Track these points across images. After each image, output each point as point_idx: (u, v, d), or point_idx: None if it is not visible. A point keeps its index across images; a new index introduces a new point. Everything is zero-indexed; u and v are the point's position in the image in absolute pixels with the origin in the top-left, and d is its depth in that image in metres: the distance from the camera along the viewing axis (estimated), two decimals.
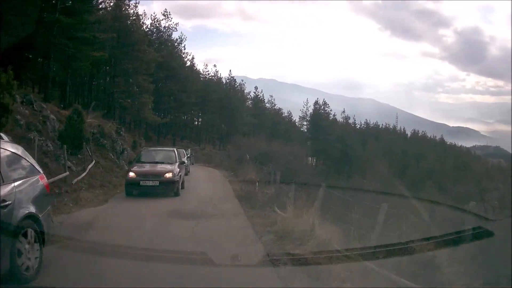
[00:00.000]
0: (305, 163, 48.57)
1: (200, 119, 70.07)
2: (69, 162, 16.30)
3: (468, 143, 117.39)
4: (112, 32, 37.43)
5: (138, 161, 16.03)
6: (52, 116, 19.27)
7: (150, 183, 14.15)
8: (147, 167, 15.07)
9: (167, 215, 10.82)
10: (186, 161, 23.29)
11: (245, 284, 5.65)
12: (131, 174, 14.51)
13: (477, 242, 6.03)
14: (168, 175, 14.39)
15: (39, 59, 28.45)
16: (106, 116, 33.22)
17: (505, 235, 5.76)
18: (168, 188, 14.35)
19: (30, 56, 26.95)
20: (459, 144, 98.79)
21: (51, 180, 13.01)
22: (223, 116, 66.48)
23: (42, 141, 15.98)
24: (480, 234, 5.75)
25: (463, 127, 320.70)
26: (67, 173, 14.49)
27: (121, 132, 28.88)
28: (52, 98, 26.78)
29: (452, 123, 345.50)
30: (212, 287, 5.61)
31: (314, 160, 71.08)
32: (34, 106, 18.62)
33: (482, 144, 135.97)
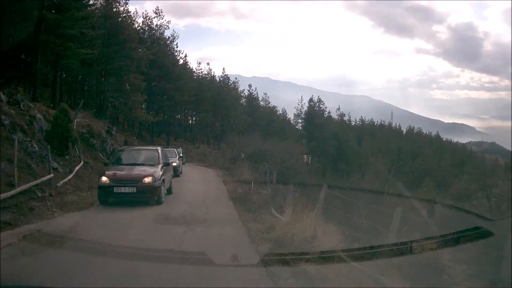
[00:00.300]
0: (301, 162, 47.97)
1: (194, 118, 69.47)
2: (56, 164, 15.70)
3: (463, 139, 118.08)
4: (102, 30, 36.73)
5: (115, 162, 13.78)
6: (39, 115, 18.68)
7: (126, 189, 12.05)
8: (123, 171, 12.82)
9: (154, 220, 10.08)
10: (177, 161, 22.45)
11: None
12: (103, 178, 12.35)
13: (478, 242, 5.93)
14: (147, 179, 12.27)
15: (27, 57, 27.72)
16: (98, 115, 32.60)
17: (505, 235, 5.48)
18: (148, 196, 12.30)
19: (18, 54, 26.24)
20: (455, 140, 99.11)
21: (34, 183, 12.39)
22: (217, 114, 66.03)
23: (27, 142, 15.31)
24: (481, 234, 5.66)
25: (458, 123, 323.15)
26: (52, 175, 13.78)
27: (113, 132, 28.31)
28: (42, 97, 26.12)
29: (447, 119, 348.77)
30: (210, 287, 5.47)
31: (310, 158, 70.48)
32: (21, 105, 18.02)
33: (477, 140, 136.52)
